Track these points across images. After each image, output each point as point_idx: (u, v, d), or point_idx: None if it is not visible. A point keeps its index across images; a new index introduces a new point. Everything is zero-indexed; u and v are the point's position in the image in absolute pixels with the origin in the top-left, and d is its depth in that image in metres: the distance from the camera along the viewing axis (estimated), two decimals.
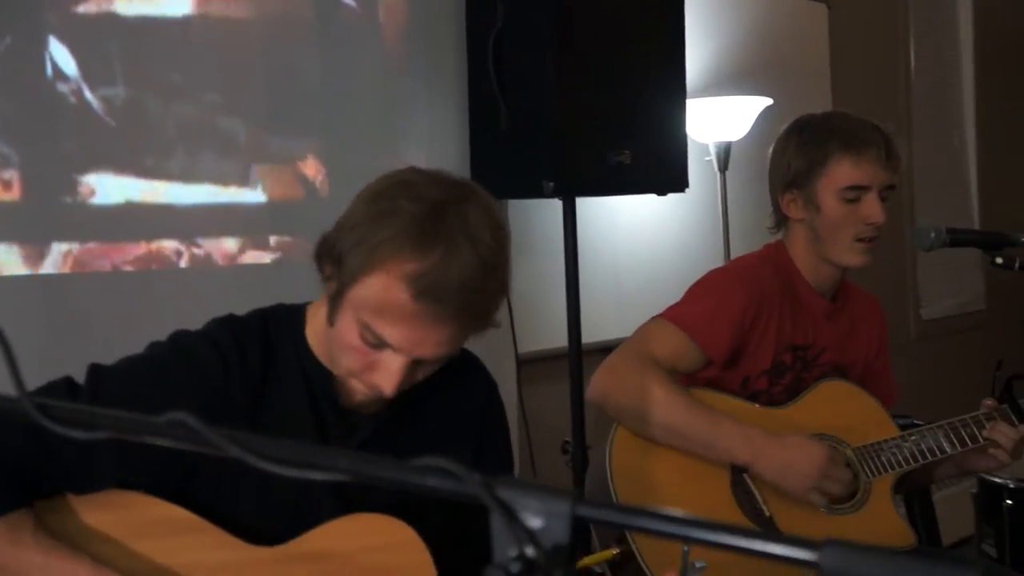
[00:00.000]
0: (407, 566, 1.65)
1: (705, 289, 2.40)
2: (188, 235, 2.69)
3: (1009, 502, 3.31)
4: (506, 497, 0.79)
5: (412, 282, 1.51)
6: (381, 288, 1.53)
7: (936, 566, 0.71)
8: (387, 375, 1.59)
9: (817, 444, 2.20)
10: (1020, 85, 6.30)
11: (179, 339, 1.70)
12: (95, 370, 1.66)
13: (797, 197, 2.41)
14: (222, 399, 1.64)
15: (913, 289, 5.38)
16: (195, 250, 2.71)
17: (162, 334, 1.72)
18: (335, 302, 1.61)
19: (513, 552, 0.78)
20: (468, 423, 1.84)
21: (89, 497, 1.62)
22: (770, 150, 2.50)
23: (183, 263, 2.69)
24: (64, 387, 1.64)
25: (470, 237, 1.54)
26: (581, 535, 0.82)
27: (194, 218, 2.70)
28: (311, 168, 2.94)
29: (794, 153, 2.42)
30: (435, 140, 3.24)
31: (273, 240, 2.86)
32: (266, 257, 2.85)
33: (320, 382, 1.71)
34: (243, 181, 2.79)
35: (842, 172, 2.35)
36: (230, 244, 2.78)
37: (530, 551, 0.78)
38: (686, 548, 1.67)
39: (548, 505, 0.79)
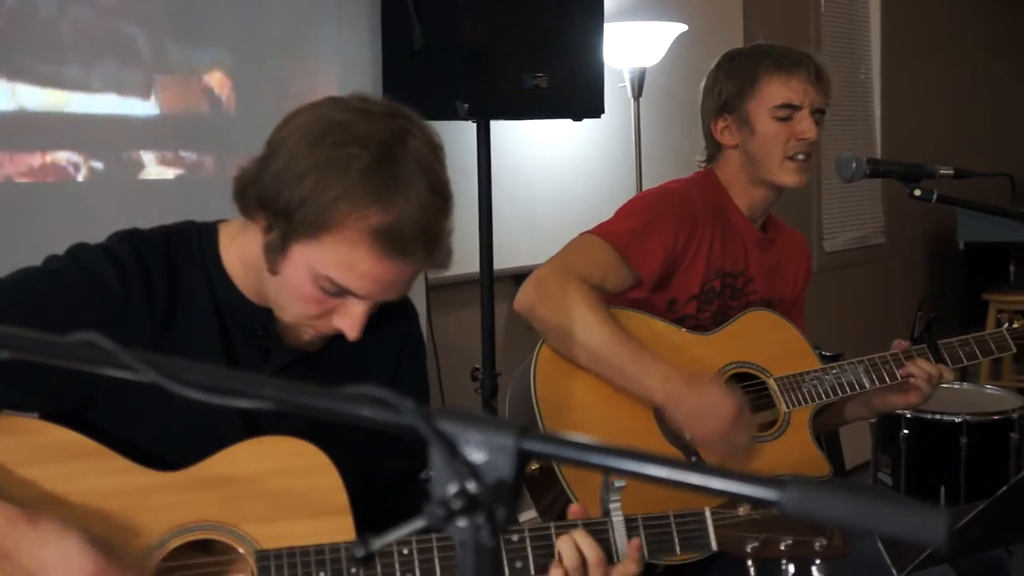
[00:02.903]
0: (317, 489, 1.59)
1: (637, 207, 2.36)
2: (86, 147, 2.56)
3: (906, 431, 3.38)
4: (447, 429, 0.74)
5: (378, 237, 1.46)
6: (345, 245, 1.47)
7: (900, 508, 0.68)
8: (352, 321, 1.55)
9: (731, 397, 2.16)
10: (923, 23, 6.37)
11: (78, 253, 1.59)
12: None
13: (730, 122, 2.39)
14: (124, 320, 1.55)
15: (817, 222, 5.44)
16: (93, 163, 2.58)
17: (56, 250, 1.62)
18: (278, 252, 1.52)
19: (454, 487, 0.73)
20: (385, 355, 1.78)
21: None
22: (701, 85, 2.48)
23: (80, 177, 2.56)
24: None
25: (424, 173, 1.48)
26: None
27: (92, 130, 2.57)
28: (217, 81, 2.81)
29: (724, 80, 2.41)
30: (346, 58, 3.14)
31: (176, 155, 2.75)
32: (169, 173, 2.73)
33: (234, 309, 1.63)
34: (144, 92, 2.66)
35: (773, 90, 2.35)
36: (130, 158, 2.66)
37: (472, 486, 0.73)
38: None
39: (491, 438, 0.74)
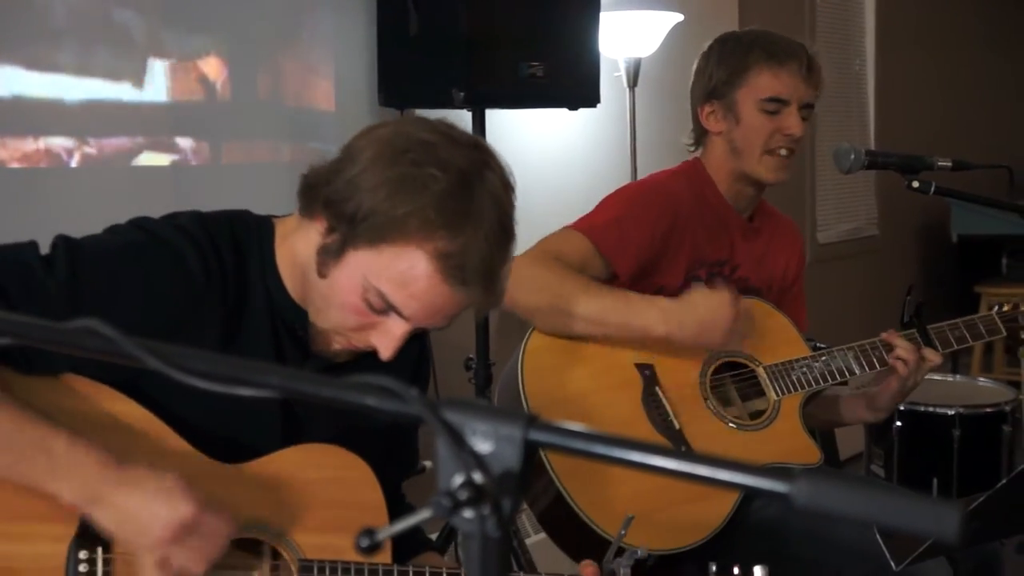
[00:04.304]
0: (363, 505, 1.61)
1: (616, 201, 2.36)
2: (79, 133, 2.55)
3: (899, 424, 3.38)
4: (454, 419, 0.73)
5: (441, 260, 1.47)
6: (406, 262, 1.48)
7: (911, 501, 0.68)
8: (388, 340, 1.55)
9: (717, 294, 2.20)
10: (918, 13, 6.36)
11: (152, 228, 1.56)
12: (70, 244, 1.52)
13: (717, 108, 2.39)
14: (203, 304, 1.54)
15: (811, 213, 5.44)
16: (87, 149, 2.56)
17: (50, 235, 1.59)
18: (333, 255, 1.52)
19: (460, 478, 0.72)
20: (405, 366, 1.78)
21: (43, 380, 1.50)
22: (693, 67, 2.46)
23: (74, 162, 2.55)
24: (32, 253, 1.50)
25: (496, 209, 1.50)
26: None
27: (86, 115, 2.55)
28: (212, 68, 2.80)
29: (715, 64, 2.40)
30: (342, 45, 3.12)
31: (171, 142, 2.73)
32: (163, 159, 2.71)
33: (282, 307, 1.62)
34: (139, 78, 2.64)
35: (762, 82, 2.34)
36: (125, 144, 2.64)
37: (478, 477, 0.72)
38: (623, 532, 1.68)
39: (498, 428, 0.74)
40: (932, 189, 2.24)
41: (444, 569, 1.60)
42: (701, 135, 2.45)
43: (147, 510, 1.42)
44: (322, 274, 1.54)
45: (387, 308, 1.52)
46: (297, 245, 1.59)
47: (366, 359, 1.65)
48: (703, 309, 2.17)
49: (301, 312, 1.62)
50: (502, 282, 1.55)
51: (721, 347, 2.23)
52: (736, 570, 1.70)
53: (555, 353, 2.21)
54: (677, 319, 2.17)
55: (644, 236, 2.28)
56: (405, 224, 1.46)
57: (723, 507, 2.18)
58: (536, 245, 2.26)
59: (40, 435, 1.42)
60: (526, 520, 3.45)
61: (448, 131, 1.53)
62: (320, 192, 1.53)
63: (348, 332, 1.58)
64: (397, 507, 1.84)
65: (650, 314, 2.17)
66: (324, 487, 1.60)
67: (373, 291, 1.50)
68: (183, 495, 1.43)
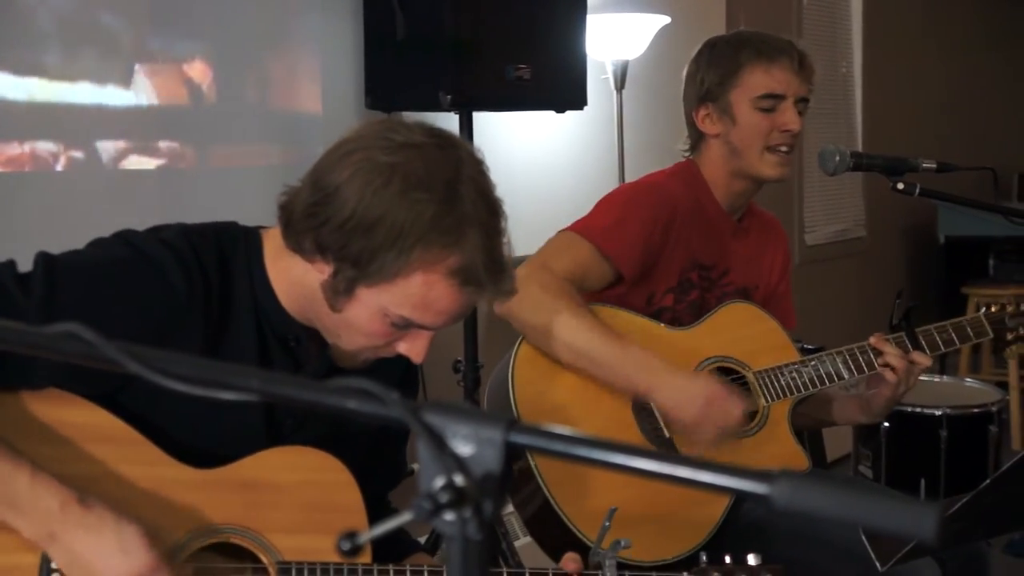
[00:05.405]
0: (340, 507, 1.61)
1: (614, 202, 2.35)
2: (65, 137, 2.54)
3: (886, 425, 3.39)
4: (434, 422, 0.74)
5: (456, 276, 1.49)
6: (423, 287, 1.49)
7: (890, 501, 0.68)
8: (419, 348, 1.58)
9: (716, 382, 2.16)
10: (905, 16, 6.38)
11: (135, 242, 1.56)
12: (49, 261, 1.51)
13: (712, 111, 2.37)
14: (184, 321, 1.54)
15: (799, 215, 5.45)
16: (73, 153, 2.56)
17: (38, 240, 1.59)
18: (342, 295, 1.53)
19: (441, 481, 0.72)
20: (392, 371, 1.78)
21: (16, 390, 1.50)
22: (683, 73, 2.46)
23: (60, 167, 2.54)
24: (8, 273, 1.49)
25: (483, 199, 1.51)
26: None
27: (72, 119, 2.55)
28: (198, 71, 2.79)
29: (706, 68, 2.39)
30: (328, 48, 3.12)
31: (157, 146, 2.73)
32: (149, 163, 2.71)
33: (272, 320, 1.63)
34: (125, 82, 2.64)
35: (755, 80, 2.33)
36: (110, 148, 2.64)
37: (459, 479, 0.72)
38: (607, 523, 1.67)
39: (479, 431, 0.74)
40: (917, 191, 2.25)
41: (425, 568, 1.60)
42: (697, 139, 2.43)
43: (101, 558, 1.42)
44: (335, 309, 1.55)
45: (410, 325, 1.54)
46: (294, 269, 1.58)
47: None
48: (693, 384, 2.14)
49: (296, 325, 1.63)
50: (508, 266, 1.56)
51: (691, 431, 2.16)
52: (727, 559, 1.70)
53: (546, 359, 2.20)
54: (661, 381, 2.13)
55: (645, 234, 2.26)
56: (411, 257, 1.47)
57: (712, 516, 2.17)
58: (539, 255, 2.24)
59: (4, 469, 1.42)
60: (515, 522, 3.45)
61: (408, 139, 1.50)
62: (307, 234, 1.51)
63: (375, 350, 1.61)
64: (381, 514, 1.84)
65: (638, 368, 2.14)
66: (300, 489, 1.60)
67: (395, 316, 1.52)
68: (142, 547, 1.43)
